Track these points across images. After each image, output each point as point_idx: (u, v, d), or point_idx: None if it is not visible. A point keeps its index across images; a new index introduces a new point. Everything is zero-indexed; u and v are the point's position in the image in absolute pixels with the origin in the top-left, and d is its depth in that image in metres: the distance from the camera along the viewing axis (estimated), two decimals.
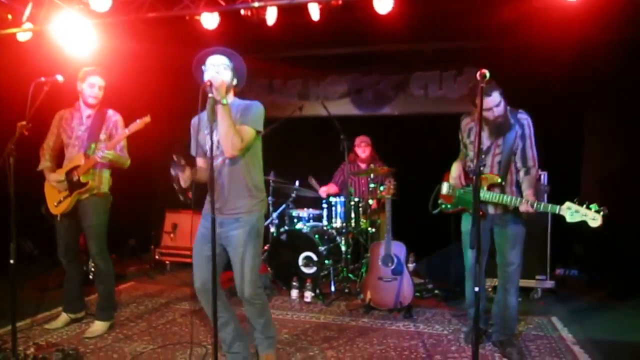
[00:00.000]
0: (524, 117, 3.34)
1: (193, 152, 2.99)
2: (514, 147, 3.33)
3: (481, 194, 3.28)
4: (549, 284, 4.77)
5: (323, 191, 5.66)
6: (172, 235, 6.01)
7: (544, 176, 5.02)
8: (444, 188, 3.58)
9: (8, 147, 3.00)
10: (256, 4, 4.17)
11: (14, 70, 4.70)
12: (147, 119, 3.53)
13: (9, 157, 3.01)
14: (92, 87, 3.73)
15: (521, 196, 3.29)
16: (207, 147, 2.63)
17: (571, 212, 3.02)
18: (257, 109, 2.83)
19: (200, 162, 2.98)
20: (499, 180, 3.33)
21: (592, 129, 5.93)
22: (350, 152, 5.51)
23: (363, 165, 5.75)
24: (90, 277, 4.84)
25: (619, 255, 5.32)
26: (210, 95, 2.60)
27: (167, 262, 5.99)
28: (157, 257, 5.99)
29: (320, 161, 6.05)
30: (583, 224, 3.02)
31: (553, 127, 5.49)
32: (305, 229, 5.11)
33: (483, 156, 3.38)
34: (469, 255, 3.52)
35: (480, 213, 3.34)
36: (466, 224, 3.57)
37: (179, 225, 6.03)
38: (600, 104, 5.85)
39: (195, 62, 2.85)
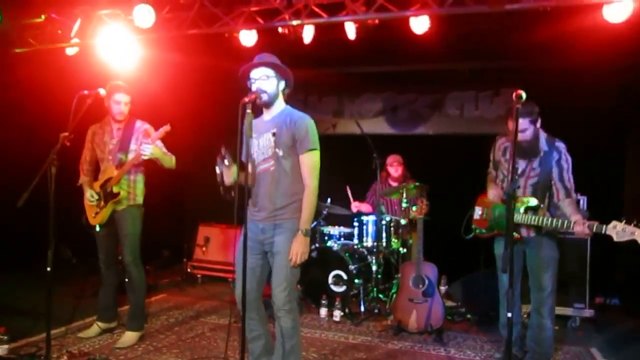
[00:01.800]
0: (561, 145, 3.33)
1: (243, 157, 2.98)
2: (552, 173, 3.28)
3: (518, 217, 3.23)
4: (588, 312, 4.57)
5: (355, 206, 5.62)
6: (204, 248, 6.07)
7: (583, 201, 4.87)
8: (477, 213, 3.53)
9: (50, 157, 3.10)
10: (294, 22, 4.23)
11: (62, 83, 4.89)
12: (167, 127, 3.62)
13: (50, 166, 3.10)
14: (117, 104, 3.82)
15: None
16: (255, 154, 2.87)
17: (618, 231, 2.89)
18: (311, 128, 2.87)
19: (249, 167, 2.96)
20: (535, 202, 3.25)
21: (634, 152, 5.72)
22: (382, 171, 5.48)
23: (395, 184, 5.70)
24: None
25: None
26: (248, 111, 2.68)
27: (199, 275, 6.04)
28: (189, 269, 6.05)
29: (352, 179, 6.02)
30: (630, 246, 2.88)
31: (593, 150, 5.35)
32: (336, 247, 5.08)
33: (517, 177, 3.32)
34: (504, 279, 3.45)
35: (517, 236, 3.27)
36: (499, 247, 3.50)
37: (211, 239, 6.09)
38: None
39: (241, 78, 2.95)
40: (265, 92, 2.84)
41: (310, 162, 2.85)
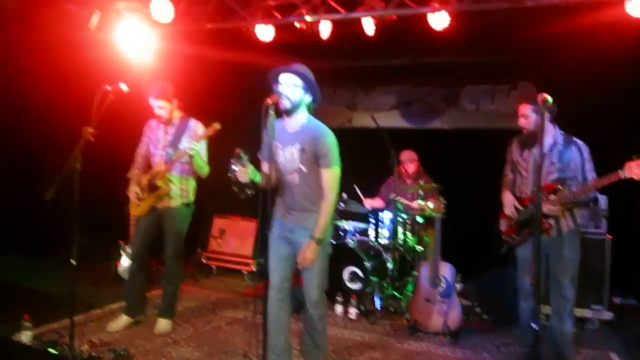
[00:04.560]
0: (580, 141, 3.35)
1: (263, 155, 3.07)
2: (572, 166, 3.29)
3: (545, 207, 3.19)
4: (607, 315, 4.52)
5: (368, 203, 5.61)
6: (219, 240, 6.09)
7: (603, 200, 4.81)
8: (503, 225, 3.53)
9: (75, 153, 3.12)
10: (311, 18, 4.18)
11: (79, 74, 4.89)
12: (217, 125, 3.65)
13: (75, 162, 3.12)
14: (154, 109, 3.86)
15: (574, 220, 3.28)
16: (280, 163, 3.00)
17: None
18: (333, 145, 2.95)
19: (265, 166, 3.05)
20: (557, 185, 3.24)
21: None
22: (397, 167, 5.45)
23: (409, 181, 5.66)
24: None
25: None
26: (270, 112, 2.70)
27: (213, 266, 6.07)
28: (203, 260, 6.08)
29: (367, 173, 5.98)
30: None
31: (613, 146, 5.25)
32: (352, 243, 5.07)
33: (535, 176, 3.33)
34: (525, 281, 3.45)
35: (547, 225, 3.27)
36: (521, 249, 3.49)
37: (226, 231, 6.10)
38: None
39: (270, 78, 3.00)
40: (288, 98, 2.91)
41: (331, 177, 2.96)
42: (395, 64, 6.36)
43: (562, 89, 5.46)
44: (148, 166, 3.97)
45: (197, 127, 3.90)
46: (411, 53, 5.92)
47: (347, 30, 4.68)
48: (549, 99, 2.65)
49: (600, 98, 5.31)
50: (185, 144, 3.79)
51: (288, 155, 3.00)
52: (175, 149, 3.82)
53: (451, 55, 5.85)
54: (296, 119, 3.00)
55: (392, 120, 6.68)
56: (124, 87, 3.46)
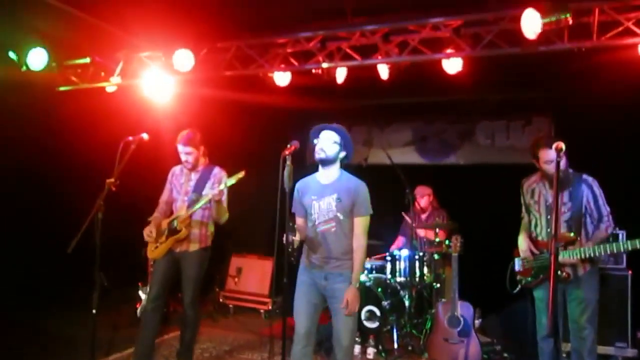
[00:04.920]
0: (590, 178, 3.39)
1: (294, 210, 3.31)
2: (584, 205, 3.32)
3: (562, 254, 3.21)
4: (631, 352, 4.42)
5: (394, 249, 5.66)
6: (236, 279, 6.15)
7: (622, 235, 4.76)
8: (517, 265, 3.53)
9: (97, 203, 3.25)
10: (327, 65, 4.32)
11: (103, 121, 5.10)
12: (242, 174, 3.69)
13: (97, 212, 3.24)
14: (181, 155, 3.95)
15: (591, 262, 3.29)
16: (315, 214, 3.16)
17: None
18: (367, 195, 3.18)
19: (299, 221, 3.29)
20: (572, 235, 3.26)
21: None
22: (414, 204, 5.48)
23: (423, 216, 5.69)
24: None
25: None
26: (287, 162, 2.89)
27: (231, 305, 6.11)
28: (220, 299, 6.13)
29: (383, 210, 6.01)
30: None
31: (629, 181, 5.24)
32: (368, 282, 5.07)
33: (548, 217, 3.34)
34: (543, 321, 3.42)
35: (565, 275, 3.27)
36: (540, 290, 3.47)
37: (243, 269, 6.16)
38: None
39: (312, 133, 3.24)
40: (324, 151, 3.13)
41: (365, 224, 3.16)
42: (410, 101, 6.47)
43: (577, 125, 5.58)
44: (171, 212, 4.05)
45: (221, 174, 3.98)
46: (425, 91, 6.02)
47: (362, 73, 4.82)
48: (564, 146, 2.75)
49: (616, 134, 5.31)
50: (208, 190, 3.86)
51: (324, 206, 3.16)
52: (199, 195, 3.89)
53: (465, 93, 5.93)
54: (330, 171, 3.21)
55: (407, 156, 6.76)
56: (145, 136, 3.62)
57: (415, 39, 4.08)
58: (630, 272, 4.55)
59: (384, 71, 4.43)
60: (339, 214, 3.11)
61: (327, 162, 3.16)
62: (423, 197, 5.62)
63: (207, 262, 4.03)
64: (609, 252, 3.21)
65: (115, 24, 4.64)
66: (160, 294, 3.96)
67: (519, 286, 3.57)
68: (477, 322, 5.40)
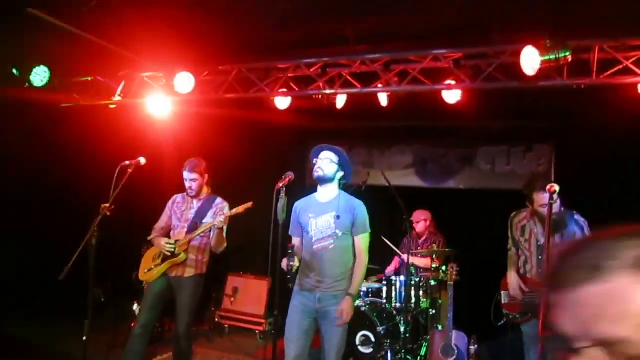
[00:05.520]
0: (581, 219, 3.40)
1: (291, 231, 3.39)
2: None
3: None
4: None
5: (390, 271, 5.64)
6: (232, 299, 6.12)
7: None
8: (505, 297, 3.50)
9: (91, 230, 3.24)
10: (328, 91, 4.34)
11: (104, 139, 5.13)
12: (250, 204, 3.71)
13: (91, 238, 3.24)
14: (186, 182, 3.95)
15: None
16: (312, 232, 3.20)
17: None
18: (364, 213, 3.26)
19: (296, 241, 3.36)
20: None
21: None
22: (411, 229, 5.48)
23: (420, 241, 5.67)
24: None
25: None
26: (282, 194, 2.88)
27: (226, 325, 6.07)
28: (216, 319, 6.10)
29: (384, 232, 6.03)
30: None
31: (629, 213, 5.20)
32: (364, 307, 5.05)
33: (540, 257, 3.33)
34: (531, 357, 3.41)
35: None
36: (527, 326, 3.45)
37: (239, 289, 6.14)
38: None
39: (312, 153, 3.34)
40: (322, 170, 3.23)
41: (365, 242, 3.26)
42: (411, 125, 6.48)
43: (578, 153, 5.56)
44: (166, 237, 4.03)
45: (223, 205, 3.98)
46: (426, 116, 6.02)
47: (362, 99, 4.83)
48: (557, 188, 2.74)
49: (618, 161, 5.29)
50: (209, 219, 3.86)
51: (322, 223, 3.21)
52: (200, 223, 3.89)
53: (466, 120, 5.93)
54: (329, 190, 3.29)
55: (407, 179, 6.72)
56: (142, 160, 3.63)
57: (415, 68, 4.10)
58: None
59: (383, 99, 4.44)
60: (337, 231, 3.17)
61: (325, 181, 3.25)
62: (419, 222, 5.60)
63: (201, 289, 4.00)
64: None
65: (118, 43, 4.66)
66: (150, 321, 3.93)
67: (504, 320, 3.54)
68: (472, 348, 5.35)
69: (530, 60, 3.36)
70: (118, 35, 4.50)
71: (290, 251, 3.18)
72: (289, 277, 3.20)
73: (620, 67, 3.50)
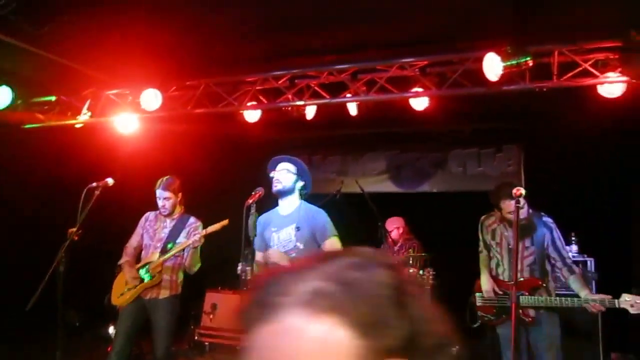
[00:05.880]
0: (549, 220, 3.44)
1: (255, 245, 3.28)
2: (545, 247, 3.36)
3: (525, 300, 3.25)
4: None
5: None
6: (211, 315, 6.02)
7: (590, 263, 4.85)
8: (479, 299, 3.54)
9: (59, 256, 3.16)
10: (297, 103, 4.34)
11: (70, 159, 5.01)
12: (225, 222, 3.67)
13: (58, 265, 3.15)
14: (159, 200, 3.88)
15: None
16: (275, 246, 3.12)
17: (631, 304, 2.97)
18: (327, 220, 3.20)
19: (259, 256, 3.27)
20: (540, 283, 3.30)
21: (638, 210, 5.70)
22: (386, 236, 5.51)
23: (395, 247, 5.70)
24: None
25: None
26: (252, 210, 2.84)
27: (207, 342, 5.98)
28: (196, 337, 5.99)
29: (358, 241, 5.99)
30: None
31: (596, 209, 5.35)
32: None
33: (512, 260, 3.38)
34: (508, 355, 3.44)
35: (529, 320, 3.29)
36: (503, 328, 3.50)
37: (218, 305, 6.05)
38: None
39: (268, 166, 3.27)
40: (280, 182, 3.16)
41: (337, 244, 3.19)
42: (382, 132, 6.52)
43: (546, 152, 5.69)
44: (138, 258, 3.97)
45: (197, 224, 3.93)
46: (397, 123, 6.07)
47: (332, 109, 4.84)
48: (523, 191, 2.78)
49: (583, 163, 5.42)
50: (183, 239, 3.81)
51: (284, 236, 3.16)
52: (174, 242, 3.83)
53: (436, 124, 5.99)
54: (289, 202, 3.22)
55: (382, 185, 6.76)
56: (110, 181, 3.56)
57: (382, 77, 4.13)
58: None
59: (353, 108, 4.46)
60: (298, 244, 3.11)
61: (284, 193, 3.19)
62: (393, 230, 5.63)
63: (178, 310, 3.92)
64: (570, 305, 3.21)
65: (81, 62, 4.58)
66: (125, 346, 3.82)
67: (479, 322, 3.58)
68: (452, 350, 5.38)
69: (493, 66, 3.42)
70: (81, 53, 4.42)
71: (247, 255, 3.08)
72: (243, 279, 3.07)
73: (580, 69, 3.59)
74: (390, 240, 5.60)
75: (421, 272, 5.00)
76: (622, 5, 3.43)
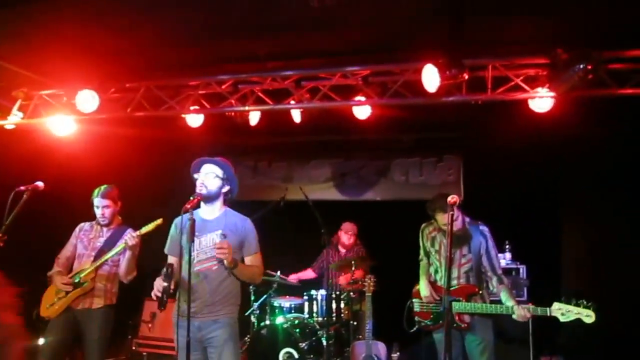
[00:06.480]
0: (485, 228, 3.54)
1: (167, 250, 3.16)
2: (480, 255, 3.47)
3: (461, 305, 3.35)
4: None
5: (293, 278, 5.67)
6: (150, 324, 5.83)
7: (523, 270, 5.06)
8: (417, 305, 3.62)
9: None
10: (240, 108, 4.31)
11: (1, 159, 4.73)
12: (159, 221, 3.53)
13: None
14: (97, 209, 3.73)
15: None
16: (194, 252, 2.92)
17: (562, 312, 3.10)
18: (253, 232, 3.11)
19: (173, 260, 3.07)
20: (476, 290, 3.41)
21: (568, 219, 6.01)
22: (334, 235, 5.54)
23: (344, 251, 5.75)
24: None
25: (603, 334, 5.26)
26: (190, 216, 2.77)
27: (145, 353, 5.78)
28: (134, 347, 5.78)
29: (302, 248, 6.04)
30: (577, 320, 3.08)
31: (529, 218, 5.61)
32: (286, 324, 5.01)
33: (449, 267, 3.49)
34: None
35: (464, 326, 3.39)
36: (439, 333, 3.59)
37: (157, 314, 5.86)
38: (576, 193, 5.98)
39: (191, 168, 3.09)
40: (205, 187, 3.00)
41: (259, 262, 3.14)
42: (328, 139, 6.58)
43: (484, 162, 5.90)
44: (71, 269, 3.77)
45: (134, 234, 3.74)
46: (341, 130, 6.14)
47: (276, 115, 4.84)
48: (457, 199, 2.88)
49: (517, 173, 5.66)
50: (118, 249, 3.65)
51: (206, 242, 3.00)
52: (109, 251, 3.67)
53: (380, 133, 6.11)
54: (214, 207, 3.09)
55: (326, 193, 6.79)
56: (40, 184, 3.39)
57: (326, 85, 4.17)
58: (531, 304, 4.81)
59: (296, 115, 4.48)
60: None
61: (209, 198, 3.02)
62: (351, 236, 5.68)
63: (112, 321, 3.74)
64: (505, 312, 3.31)
65: (12, 61, 4.36)
66: None
67: (416, 327, 3.66)
68: (394, 356, 5.47)
69: (431, 77, 3.53)
70: (12, 51, 4.21)
71: (165, 270, 2.83)
72: (161, 298, 2.82)
73: (512, 83, 3.77)
74: (341, 240, 5.66)
75: (366, 278, 5.05)
76: (551, 22, 3.63)
